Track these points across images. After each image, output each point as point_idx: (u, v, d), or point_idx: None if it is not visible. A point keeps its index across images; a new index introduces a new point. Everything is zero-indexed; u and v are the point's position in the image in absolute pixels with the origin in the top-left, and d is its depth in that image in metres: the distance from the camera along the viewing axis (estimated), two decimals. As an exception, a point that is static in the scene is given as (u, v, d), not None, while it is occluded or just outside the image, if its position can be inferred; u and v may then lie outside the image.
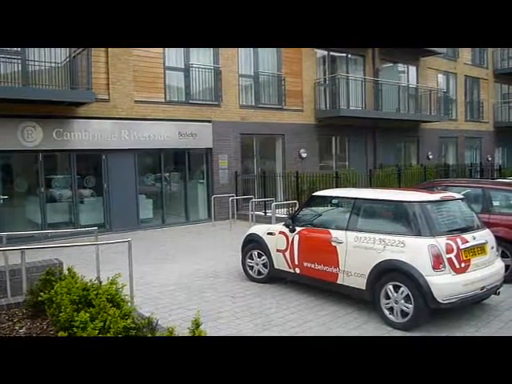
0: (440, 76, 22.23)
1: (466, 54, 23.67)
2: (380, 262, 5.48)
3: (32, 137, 11.11)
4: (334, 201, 6.92)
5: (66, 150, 11.70)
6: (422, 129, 20.67)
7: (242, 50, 14.79)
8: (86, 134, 11.85)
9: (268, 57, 15.56)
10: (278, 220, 10.71)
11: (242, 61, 14.88)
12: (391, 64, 19.65)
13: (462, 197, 6.31)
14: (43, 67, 10.96)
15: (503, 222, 7.56)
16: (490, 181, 9.75)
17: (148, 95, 12.91)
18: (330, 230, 6.18)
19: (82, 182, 12.35)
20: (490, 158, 24.84)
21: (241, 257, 7.67)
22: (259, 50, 15.19)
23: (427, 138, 21.06)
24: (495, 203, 8.15)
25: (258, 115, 15.04)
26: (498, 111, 26.13)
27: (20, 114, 10.85)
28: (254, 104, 15.11)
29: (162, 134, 13.06)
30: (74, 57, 11.27)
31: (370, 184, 13.91)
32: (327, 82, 17.19)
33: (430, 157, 21.07)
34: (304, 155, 16.05)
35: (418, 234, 5.35)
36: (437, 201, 5.81)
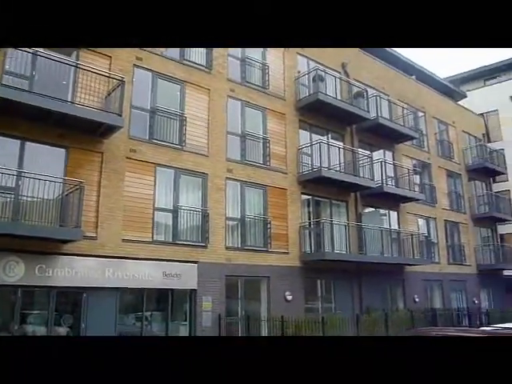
0: (420, 220, 23.04)
1: (443, 199, 24.83)
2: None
3: (14, 272, 10.95)
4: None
5: (46, 286, 11.46)
6: (406, 272, 20.83)
7: (229, 195, 15.39)
8: (69, 271, 11.73)
9: (255, 201, 16.17)
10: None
11: (229, 204, 15.41)
12: (373, 209, 20.48)
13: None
14: (35, 201, 11.17)
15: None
16: (477, 330, 9.60)
17: (136, 234, 13.09)
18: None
19: (59, 319, 11.91)
20: (476, 301, 24.71)
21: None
22: (246, 194, 15.83)
23: (412, 280, 21.13)
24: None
25: (243, 257, 15.16)
26: (480, 254, 26.65)
27: (5, 248, 10.79)
28: (239, 246, 15.31)
29: (146, 274, 12.97)
30: (67, 194, 11.62)
31: (357, 330, 13.61)
32: (312, 225, 17.70)
33: (417, 300, 20.93)
34: (289, 298, 15.87)
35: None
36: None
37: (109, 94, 12.89)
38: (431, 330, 10.25)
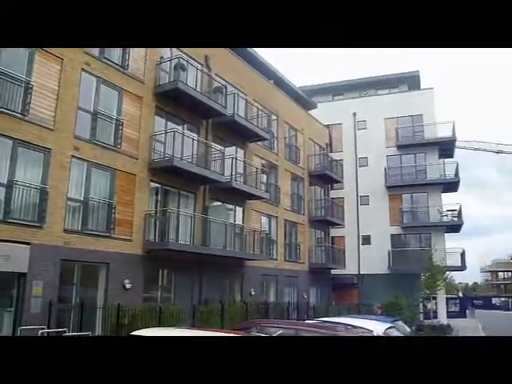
0: (263, 218, 24.20)
1: (286, 200, 26.41)
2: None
3: None
4: (152, 341, 6.68)
5: None
6: (246, 266, 21.70)
7: (74, 175, 14.45)
8: None
9: (101, 183, 15.42)
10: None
11: (72, 184, 14.48)
12: (220, 203, 20.97)
13: (276, 340, 6.59)
14: None
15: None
16: (302, 322, 10.43)
17: (-42, 209, 11.63)
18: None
19: None
20: (305, 297, 26.74)
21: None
22: (92, 175, 15.03)
23: (251, 275, 22.09)
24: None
25: (83, 241, 14.35)
26: (313, 253, 28.95)
27: None
28: (80, 229, 14.46)
29: (-33, 253, 11.61)
30: None
31: (194, 321, 13.79)
32: (158, 214, 17.49)
33: (253, 293, 21.94)
34: (128, 286, 15.46)
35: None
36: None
37: None
38: (262, 321, 10.87)
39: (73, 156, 14.41)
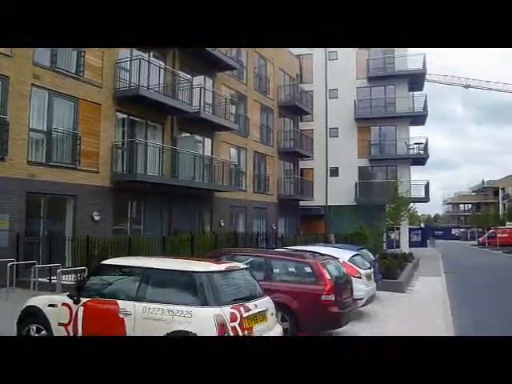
0: (232, 150, 24.07)
1: (255, 132, 26.22)
2: (168, 334, 5.44)
3: None
4: (123, 270, 6.69)
5: None
6: (215, 197, 21.81)
7: (35, 104, 13.84)
8: None
9: (64, 113, 14.86)
10: (65, 288, 9.97)
11: (34, 114, 13.91)
12: (188, 134, 20.66)
13: (245, 267, 6.74)
14: None
15: (283, 288, 8.25)
16: (271, 251, 10.68)
17: None
18: (118, 301, 5.93)
19: None
20: (274, 227, 27.27)
21: (16, 333, 6.74)
22: (54, 105, 14.44)
23: (220, 206, 22.27)
24: (276, 271, 8.92)
25: (48, 173, 14.01)
26: (281, 185, 29.25)
27: None
28: (44, 161, 14.09)
29: None
30: None
31: (164, 251, 13.90)
32: (125, 145, 17.13)
33: (222, 224, 22.22)
34: (97, 218, 15.38)
35: (205, 303, 5.50)
36: (222, 271, 6.10)
37: None
38: (230, 250, 11.05)
39: (33, 84, 13.74)
